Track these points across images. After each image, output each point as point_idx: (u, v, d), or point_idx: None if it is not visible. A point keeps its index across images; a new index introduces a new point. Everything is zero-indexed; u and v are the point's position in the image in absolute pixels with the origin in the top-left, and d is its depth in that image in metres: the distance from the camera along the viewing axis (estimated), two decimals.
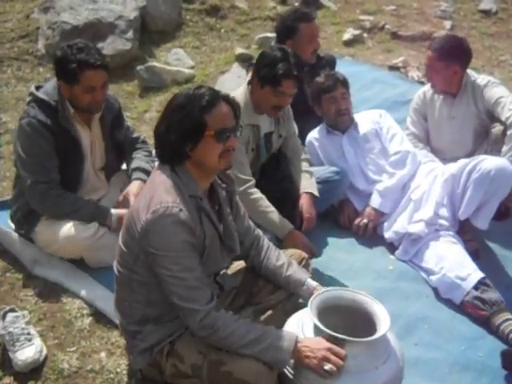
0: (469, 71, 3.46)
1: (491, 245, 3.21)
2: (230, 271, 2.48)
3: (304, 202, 3.05)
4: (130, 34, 5.61)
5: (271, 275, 2.39)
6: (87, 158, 2.96)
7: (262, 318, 2.36)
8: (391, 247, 3.17)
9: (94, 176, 3.04)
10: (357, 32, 6.06)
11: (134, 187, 2.85)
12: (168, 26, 6.20)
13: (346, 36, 6.03)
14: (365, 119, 3.48)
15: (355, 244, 3.24)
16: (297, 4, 6.93)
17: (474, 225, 2.99)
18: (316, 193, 3.11)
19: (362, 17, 6.48)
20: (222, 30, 6.38)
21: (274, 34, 6.13)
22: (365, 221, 3.23)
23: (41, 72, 5.30)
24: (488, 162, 2.85)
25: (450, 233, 3.00)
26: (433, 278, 2.87)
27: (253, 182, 2.92)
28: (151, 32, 6.15)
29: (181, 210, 1.96)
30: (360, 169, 3.37)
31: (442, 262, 2.85)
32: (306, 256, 2.56)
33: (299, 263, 2.50)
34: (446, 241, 2.95)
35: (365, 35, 6.14)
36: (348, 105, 3.40)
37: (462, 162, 2.99)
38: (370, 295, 2.14)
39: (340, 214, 3.37)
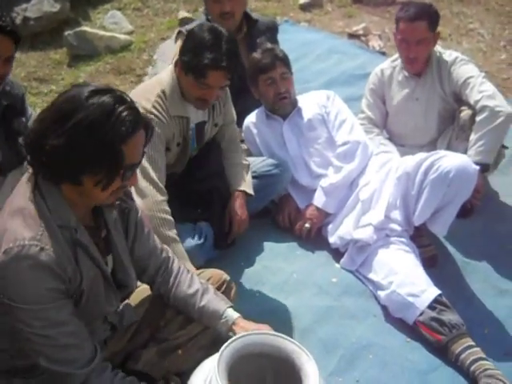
0: None
1: (451, 249, 2.81)
2: (132, 301, 2.02)
3: (234, 202, 2.61)
4: None
5: (182, 306, 1.95)
6: None
7: (168, 360, 1.92)
8: (336, 253, 2.74)
9: None
10: None
11: None
12: None
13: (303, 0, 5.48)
14: (310, 103, 3.00)
15: (295, 249, 2.80)
16: None
17: (431, 230, 2.58)
18: (250, 190, 2.66)
19: None
20: None
21: None
22: (307, 225, 2.79)
23: None
24: (447, 161, 2.41)
25: (403, 239, 2.58)
26: (381, 293, 2.46)
27: (165, 198, 2.41)
28: None
29: (42, 249, 1.47)
30: (303, 161, 2.91)
31: (392, 275, 2.44)
32: (228, 278, 2.11)
33: (219, 288, 2.06)
34: (398, 249, 2.54)
35: None
36: (289, 86, 2.91)
37: (419, 157, 2.55)
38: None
39: (279, 213, 2.92)
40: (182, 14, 5.18)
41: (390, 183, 2.69)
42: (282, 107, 2.91)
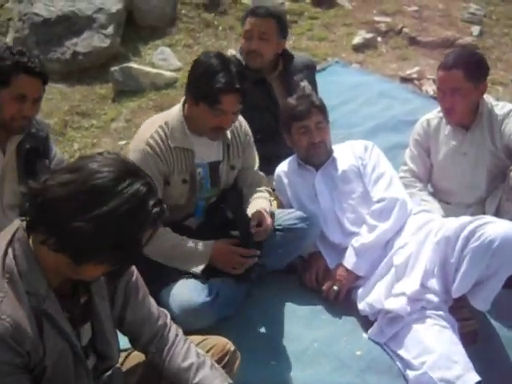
0: (485, 96, 2.74)
1: (494, 323, 2.49)
2: (126, 363, 1.85)
3: (258, 213, 2.41)
4: (110, 30, 5.02)
5: (175, 380, 1.75)
6: None
7: None
8: (365, 321, 2.48)
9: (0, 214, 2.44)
10: (369, 35, 5.35)
11: None
12: (159, 21, 5.58)
13: (356, 39, 5.31)
14: (346, 153, 2.78)
15: (320, 313, 2.55)
16: (308, 1, 6.25)
17: (472, 304, 2.29)
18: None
19: (377, 18, 5.74)
20: (220, 28, 5.74)
21: None
22: (335, 287, 2.55)
23: None
24: (492, 228, 2.14)
25: (441, 313, 2.30)
26: (411, 373, 2.18)
27: None
28: (139, 27, 5.54)
29: None
30: (335, 216, 2.68)
31: (426, 354, 2.16)
32: (232, 348, 1.90)
33: (221, 358, 1.85)
34: (434, 324, 2.25)
35: (378, 39, 5.42)
36: (324, 136, 2.70)
37: (461, 220, 2.28)
38: None
39: (307, 271, 2.69)
40: (231, 51, 5.08)
41: (428, 247, 2.42)
42: (316, 157, 2.71)
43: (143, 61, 5.16)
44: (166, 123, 2.37)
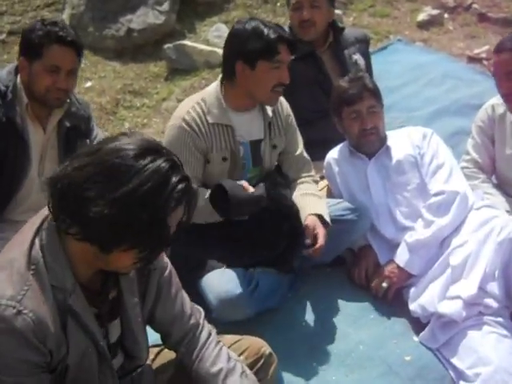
0: None
1: None
2: (157, 361, 1.77)
3: (314, 221, 2.26)
4: (165, 6, 4.92)
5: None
6: (33, 166, 2.35)
7: None
8: (417, 323, 2.31)
9: (37, 192, 2.40)
10: (435, 11, 5.02)
11: None
12: None
13: (421, 16, 5.00)
14: (402, 141, 2.58)
15: (369, 312, 2.39)
16: None
17: None
18: (326, 217, 2.31)
19: None
20: (278, 4, 5.53)
21: (338, 11, 5.31)
22: (384, 284, 2.39)
23: None
24: None
25: (500, 319, 2.11)
26: None
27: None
28: (195, 3, 5.42)
29: (19, 312, 1.25)
30: (388, 209, 2.50)
31: (481, 365, 1.98)
32: (268, 351, 1.78)
33: (255, 362, 1.74)
34: (492, 332, 2.07)
35: (445, 16, 5.08)
36: (378, 122, 2.52)
37: None
38: None
39: (356, 266, 2.54)
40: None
41: (489, 247, 2.21)
42: (368, 144, 2.53)
43: (198, 38, 5.05)
44: (203, 99, 2.29)
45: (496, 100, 2.69)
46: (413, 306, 2.30)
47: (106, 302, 1.48)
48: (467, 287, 2.16)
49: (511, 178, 2.64)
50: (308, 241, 2.19)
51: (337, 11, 5.22)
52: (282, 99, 2.46)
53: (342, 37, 3.03)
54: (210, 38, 5.01)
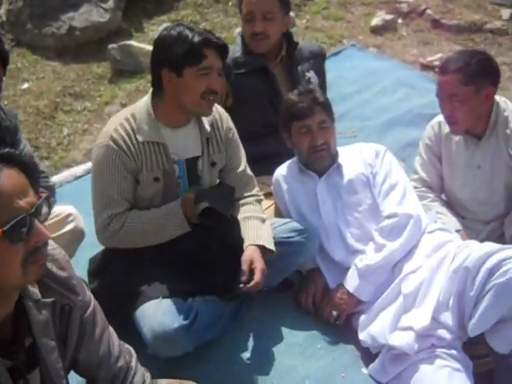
0: (498, 98, 2.40)
1: None
2: None
3: (253, 253, 2.11)
4: (110, 3, 4.71)
5: None
6: None
7: None
8: (366, 354, 2.18)
9: None
10: (389, 17, 4.95)
11: None
12: None
13: (375, 21, 4.92)
14: (354, 158, 2.45)
15: (316, 341, 2.25)
16: None
17: (490, 344, 1.98)
18: (269, 245, 2.16)
19: None
20: (230, 3, 5.36)
21: (292, 13, 5.17)
22: (334, 313, 2.26)
23: None
24: None
25: (453, 352, 1.99)
26: None
27: (114, 211, 2.10)
28: (144, 1, 5.20)
29: None
30: (338, 230, 2.37)
31: None
32: None
33: None
34: (445, 366, 1.95)
35: (399, 21, 5.02)
36: (329, 137, 2.38)
37: (484, 249, 1.96)
38: None
39: (303, 291, 2.40)
40: (239, 30, 4.74)
41: (443, 274, 2.10)
42: (318, 161, 2.39)
43: (146, 37, 4.84)
44: (132, 115, 2.11)
45: (441, 117, 2.61)
46: (362, 336, 2.17)
47: (22, 351, 1.29)
48: (420, 318, 2.04)
49: (459, 197, 2.55)
50: (243, 277, 2.03)
51: (290, 13, 5.12)
52: (221, 112, 2.31)
53: (296, 51, 2.86)
54: None
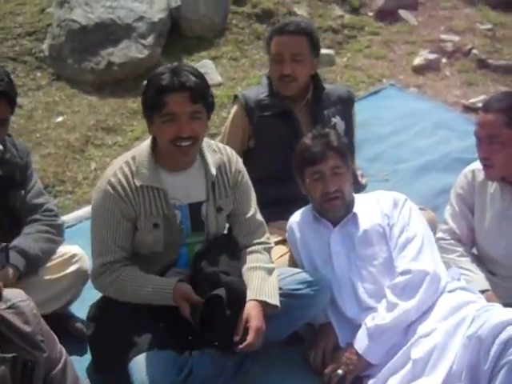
0: None
1: None
2: None
3: (250, 310, 2.01)
4: (149, 39, 4.73)
5: None
6: None
7: None
8: None
9: None
10: (432, 56, 4.79)
11: None
12: (207, 30, 5.27)
13: (418, 60, 4.77)
14: (371, 207, 2.30)
15: None
16: (371, 14, 5.75)
17: None
18: (273, 300, 2.05)
19: (444, 36, 5.16)
20: None
21: (330, 51, 5.10)
22: (339, 371, 2.09)
23: (37, 77, 4.54)
24: None
25: None
26: None
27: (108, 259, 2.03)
28: (185, 37, 5.23)
29: None
30: (351, 284, 2.22)
31: None
32: None
33: None
34: None
35: (443, 60, 4.85)
36: (342, 184, 2.24)
37: (503, 316, 1.78)
38: None
39: (313, 347, 2.24)
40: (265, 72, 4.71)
41: (458, 340, 1.92)
42: (332, 210, 2.26)
43: None
44: (133, 158, 2.07)
45: (477, 165, 2.44)
46: None
47: None
48: None
49: (491, 251, 2.36)
50: (236, 337, 1.92)
51: (329, 51, 5.05)
52: (231, 154, 2.23)
53: (323, 94, 2.74)
54: None
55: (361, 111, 4.08)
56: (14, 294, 1.40)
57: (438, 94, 4.43)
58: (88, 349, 2.19)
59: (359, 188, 2.72)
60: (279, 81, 2.67)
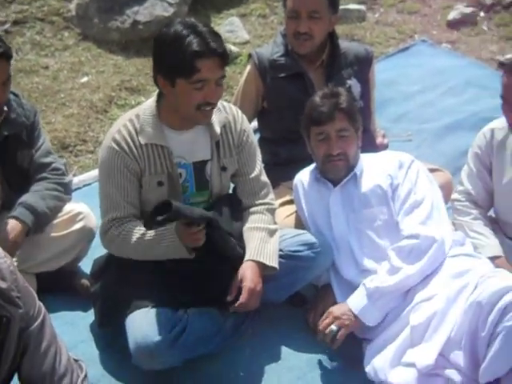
0: None
1: None
2: None
3: (246, 269, 2.01)
4: None
5: None
6: None
7: None
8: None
9: None
10: (469, 10, 4.53)
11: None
12: None
13: (453, 14, 4.53)
14: (375, 167, 2.22)
15: (318, 366, 2.08)
16: None
17: None
18: (271, 261, 2.04)
19: None
20: None
21: (362, 6, 4.90)
22: (333, 327, 2.02)
23: (64, 37, 4.53)
24: None
25: None
26: None
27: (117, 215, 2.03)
28: None
29: None
30: (349, 246, 2.15)
31: None
32: None
33: None
34: None
35: (480, 14, 4.58)
36: (348, 148, 2.15)
37: (503, 283, 1.70)
38: None
39: (312, 308, 2.22)
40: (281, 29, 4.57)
41: (459, 307, 1.85)
42: (333, 171, 2.19)
43: None
44: (136, 116, 2.04)
45: (498, 123, 2.33)
46: (368, 368, 1.96)
47: None
48: (425, 354, 1.80)
49: (507, 216, 2.25)
50: (229, 297, 1.92)
51: (360, 6, 4.86)
52: (236, 113, 2.18)
53: (338, 52, 2.61)
54: (222, 32, 4.68)
55: (388, 69, 3.97)
56: None
57: (472, 50, 4.21)
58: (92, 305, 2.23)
59: (377, 151, 2.62)
60: (294, 38, 2.56)
